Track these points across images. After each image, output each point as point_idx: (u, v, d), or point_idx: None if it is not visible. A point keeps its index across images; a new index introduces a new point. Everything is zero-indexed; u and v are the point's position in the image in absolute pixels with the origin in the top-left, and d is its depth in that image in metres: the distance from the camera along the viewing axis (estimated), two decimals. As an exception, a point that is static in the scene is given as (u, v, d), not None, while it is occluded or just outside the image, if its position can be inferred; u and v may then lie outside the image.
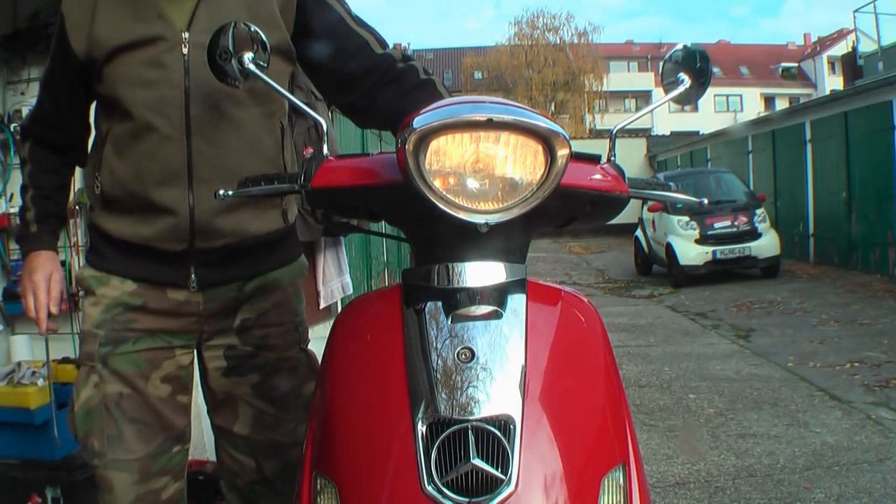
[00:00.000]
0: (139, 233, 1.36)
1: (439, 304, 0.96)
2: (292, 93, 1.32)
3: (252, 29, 1.14)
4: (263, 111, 1.38)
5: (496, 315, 0.95)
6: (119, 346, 1.37)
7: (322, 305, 4.41)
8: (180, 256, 1.36)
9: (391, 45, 1.45)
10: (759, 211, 10.16)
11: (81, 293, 1.50)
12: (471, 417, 0.86)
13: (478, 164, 0.91)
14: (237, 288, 1.43)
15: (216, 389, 1.47)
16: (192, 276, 1.38)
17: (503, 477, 0.83)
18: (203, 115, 1.31)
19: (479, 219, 0.92)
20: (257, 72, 1.13)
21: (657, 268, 11.37)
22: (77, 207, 2.76)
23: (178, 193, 1.32)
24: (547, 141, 0.90)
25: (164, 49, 1.30)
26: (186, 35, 1.30)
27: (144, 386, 1.38)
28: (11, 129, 2.87)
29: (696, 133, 23.62)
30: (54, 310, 1.42)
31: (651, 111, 1.31)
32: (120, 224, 1.37)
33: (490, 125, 0.89)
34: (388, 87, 1.40)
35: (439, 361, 0.90)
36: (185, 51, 1.30)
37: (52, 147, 1.48)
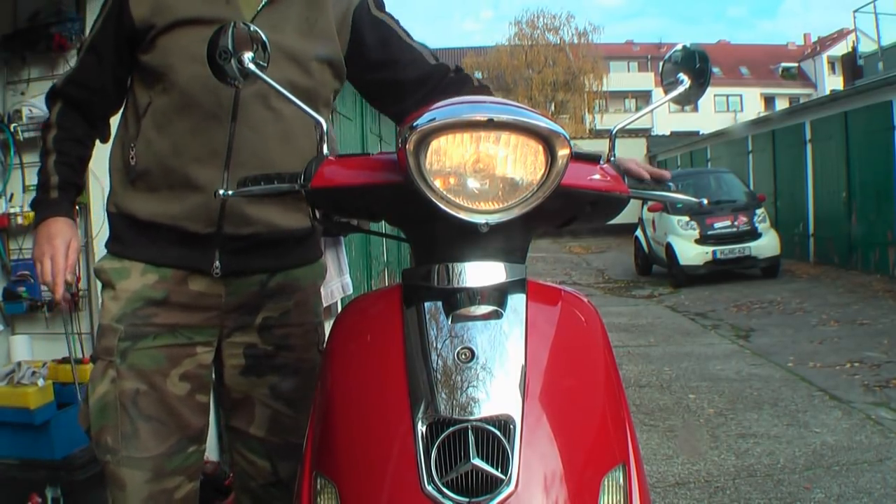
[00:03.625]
0: (167, 211, 1.35)
1: (439, 304, 0.96)
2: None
3: (252, 28, 1.13)
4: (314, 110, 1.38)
5: (496, 315, 0.95)
6: (139, 342, 1.35)
7: (322, 305, 4.40)
8: (206, 240, 1.36)
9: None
10: (759, 211, 10.16)
11: (87, 288, 1.48)
12: (471, 417, 0.86)
13: (478, 164, 0.91)
14: (259, 283, 1.42)
15: (232, 388, 1.46)
16: (217, 261, 1.36)
17: (503, 477, 0.83)
18: (251, 101, 1.32)
19: (479, 219, 0.92)
20: (257, 71, 1.13)
21: (657, 268, 11.36)
22: (77, 208, 2.75)
23: (214, 173, 1.32)
24: (547, 141, 0.90)
25: None
26: None
27: (163, 383, 1.36)
28: (11, 129, 2.87)
29: (696, 133, 23.61)
30: (70, 277, 1.40)
31: (651, 111, 1.31)
32: (147, 202, 1.36)
33: (490, 125, 0.89)
34: (444, 94, 1.41)
35: (439, 361, 0.90)
36: None
37: (83, 113, 1.46)
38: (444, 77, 1.47)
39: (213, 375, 1.49)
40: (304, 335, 1.48)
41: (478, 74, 34.44)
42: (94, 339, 2.79)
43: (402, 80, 1.45)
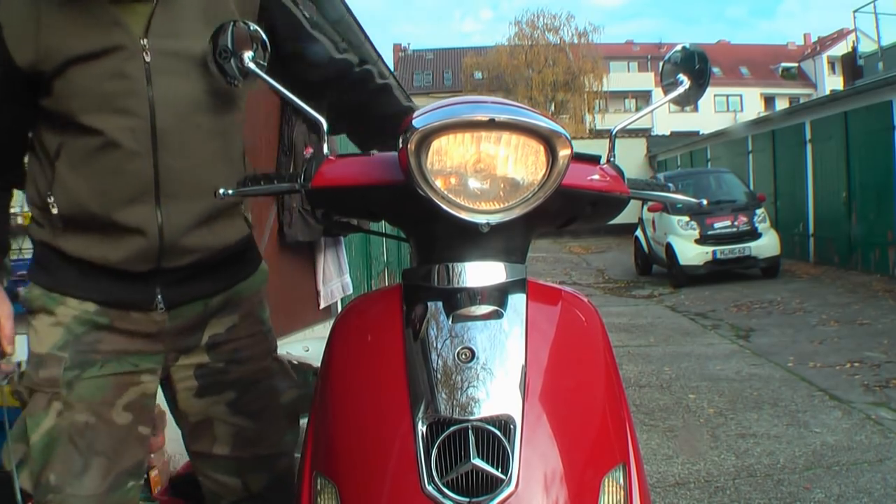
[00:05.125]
0: (102, 254, 1.26)
1: (439, 304, 0.96)
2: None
3: (252, 28, 1.14)
4: (232, 118, 1.32)
5: (496, 315, 0.95)
6: (86, 370, 1.28)
7: (322, 305, 4.41)
8: (146, 277, 1.29)
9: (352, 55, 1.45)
10: (758, 211, 10.17)
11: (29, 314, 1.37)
12: (471, 417, 0.86)
13: (479, 164, 0.91)
14: (203, 304, 1.37)
15: (189, 412, 1.40)
16: (158, 296, 1.30)
17: (503, 477, 0.83)
18: (170, 127, 1.23)
19: (480, 219, 0.92)
20: (257, 70, 1.13)
21: (657, 268, 11.37)
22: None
23: (146, 212, 1.24)
24: (548, 141, 0.90)
25: (125, 58, 1.20)
26: (145, 42, 1.21)
27: (108, 414, 1.29)
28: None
29: (696, 133, 23.60)
30: (8, 349, 1.33)
31: (650, 112, 1.31)
32: (77, 244, 1.27)
33: (492, 125, 0.89)
34: (347, 93, 1.40)
35: (439, 361, 0.90)
36: (147, 59, 1.21)
37: None
38: (348, 72, 1.40)
39: (167, 403, 1.43)
40: (255, 346, 1.43)
41: (478, 75, 34.49)
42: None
43: (307, 80, 1.35)
